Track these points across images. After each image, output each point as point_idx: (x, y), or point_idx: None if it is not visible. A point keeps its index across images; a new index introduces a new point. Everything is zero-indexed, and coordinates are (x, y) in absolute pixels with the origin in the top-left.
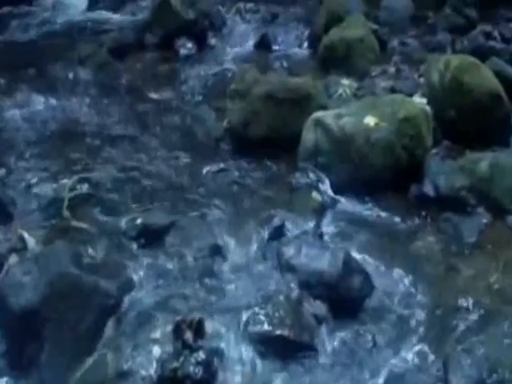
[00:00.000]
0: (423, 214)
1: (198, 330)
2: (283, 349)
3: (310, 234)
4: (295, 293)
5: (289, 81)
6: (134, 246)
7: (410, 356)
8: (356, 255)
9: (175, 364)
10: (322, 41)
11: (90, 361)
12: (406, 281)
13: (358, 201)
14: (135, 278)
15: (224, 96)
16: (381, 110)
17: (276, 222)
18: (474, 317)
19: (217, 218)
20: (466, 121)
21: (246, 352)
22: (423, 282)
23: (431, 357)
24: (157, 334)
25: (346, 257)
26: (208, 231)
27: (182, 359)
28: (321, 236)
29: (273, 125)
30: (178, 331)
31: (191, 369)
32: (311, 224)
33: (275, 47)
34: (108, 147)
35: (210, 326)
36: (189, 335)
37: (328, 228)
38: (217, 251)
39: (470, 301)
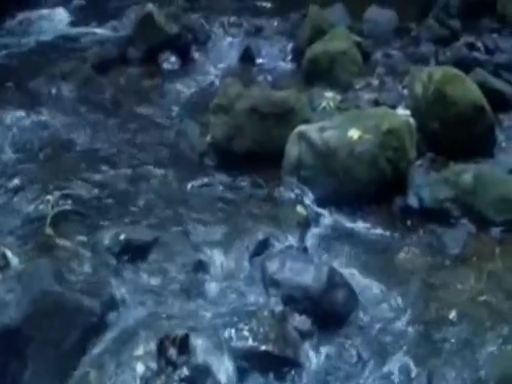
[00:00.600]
0: (407, 226)
1: (182, 346)
2: (267, 364)
3: (294, 248)
4: (279, 308)
5: (272, 95)
6: (118, 262)
7: (394, 370)
8: (340, 269)
9: (159, 381)
10: (306, 54)
11: (73, 379)
12: (391, 294)
13: (342, 214)
14: (119, 295)
15: (208, 110)
16: (364, 122)
17: (260, 236)
18: (458, 330)
19: (201, 233)
20: (449, 133)
21: (230, 368)
22: (407, 295)
23: (415, 371)
24: (140, 351)
25: (330, 271)
26: (192, 247)
27: (165, 376)
28: (305, 250)
29: (257, 139)
30: (161, 348)
31: None
32: (295, 238)
33: (259, 60)
34: (91, 163)
35: (194, 343)
36: (172, 352)
37: (312, 242)
38: (201, 267)
39: (455, 314)
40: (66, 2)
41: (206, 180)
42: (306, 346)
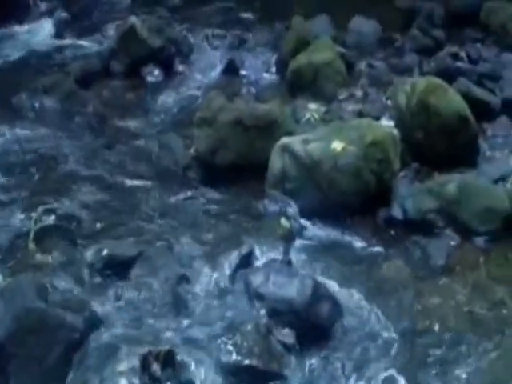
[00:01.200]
0: (392, 237)
1: (167, 361)
2: (253, 378)
3: (278, 261)
4: (264, 321)
5: (256, 107)
6: (101, 277)
7: (378, 382)
8: (325, 281)
9: None
10: (290, 65)
11: None
12: (375, 306)
13: (326, 226)
14: (102, 310)
15: (191, 123)
16: (348, 134)
17: (244, 249)
18: (443, 340)
19: (185, 247)
20: (433, 143)
21: (215, 383)
22: (392, 306)
23: (400, 382)
24: (124, 367)
25: (314, 284)
26: (176, 261)
27: None
28: (289, 263)
29: (240, 151)
30: (145, 364)
31: None
32: (280, 251)
33: (243, 72)
34: (74, 178)
35: (178, 358)
36: (156, 367)
37: (296, 255)
38: (185, 281)
39: (439, 324)
40: (51, 15)
41: (189, 193)
42: (291, 358)
